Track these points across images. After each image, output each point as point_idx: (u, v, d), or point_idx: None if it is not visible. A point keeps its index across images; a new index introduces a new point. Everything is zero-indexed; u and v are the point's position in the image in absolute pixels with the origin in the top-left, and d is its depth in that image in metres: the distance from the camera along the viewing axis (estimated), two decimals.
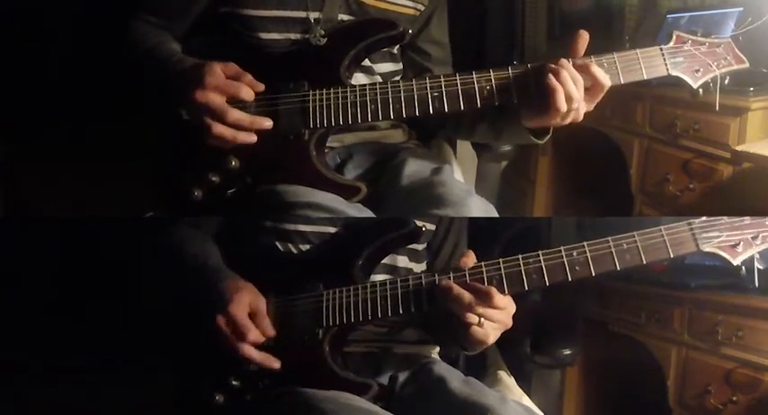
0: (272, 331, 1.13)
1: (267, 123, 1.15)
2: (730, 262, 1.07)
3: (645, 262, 1.07)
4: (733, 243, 1.07)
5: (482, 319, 1.08)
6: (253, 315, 1.12)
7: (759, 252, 1.08)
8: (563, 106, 1.11)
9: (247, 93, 1.14)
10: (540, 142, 1.22)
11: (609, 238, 1.07)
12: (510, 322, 1.11)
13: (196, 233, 1.25)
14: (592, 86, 1.12)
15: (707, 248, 1.07)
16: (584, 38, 1.13)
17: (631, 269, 2.08)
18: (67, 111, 1.95)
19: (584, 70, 1.11)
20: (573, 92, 1.10)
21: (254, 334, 1.11)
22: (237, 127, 1.13)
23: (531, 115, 1.17)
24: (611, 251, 1.07)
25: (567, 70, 1.10)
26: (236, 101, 1.13)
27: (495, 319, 1.08)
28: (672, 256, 1.07)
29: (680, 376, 1.84)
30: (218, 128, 1.12)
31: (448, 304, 1.09)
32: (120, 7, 1.29)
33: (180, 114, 1.18)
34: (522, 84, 1.13)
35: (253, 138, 1.15)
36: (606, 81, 1.12)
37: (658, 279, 1.97)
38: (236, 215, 1.21)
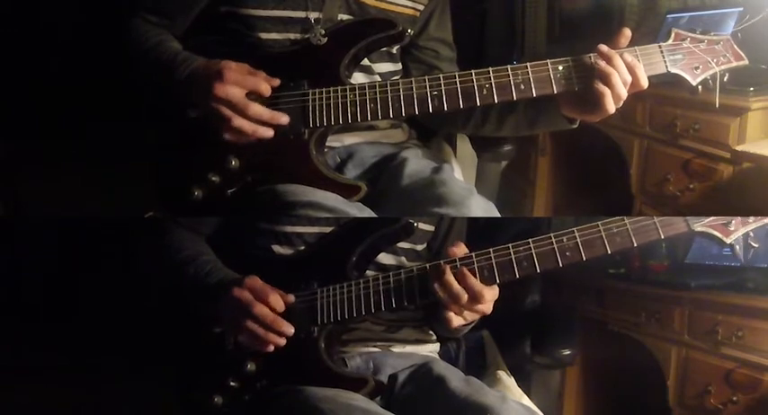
0: (290, 298, 1.13)
1: (284, 118, 1.16)
2: (723, 241, 1.07)
3: (635, 245, 1.06)
4: (725, 222, 1.07)
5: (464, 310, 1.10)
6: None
7: (753, 231, 1.07)
8: (612, 108, 1.12)
9: (266, 88, 1.15)
10: (574, 126, 1.23)
11: (599, 222, 1.07)
12: (490, 311, 1.12)
13: (189, 235, 1.25)
14: (630, 84, 1.13)
15: (698, 228, 1.06)
16: (626, 36, 1.13)
17: (631, 268, 2.08)
18: (68, 111, 1.95)
19: (630, 69, 1.12)
20: (622, 95, 1.12)
21: (275, 297, 1.12)
22: (257, 121, 1.14)
23: (573, 109, 1.18)
24: (601, 236, 1.07)
25: (620, 73, 1.11)
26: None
27: (477, 311, 1.11)
28: (663, 236, 1.06)
29: (680, 376, 1.83)
30: (239, 121, 1.13)
31: (437, 292, 1.09)
32: (121, 6, 1.29)
33: (186, 112, 1.18)
34: (521, 85, 1.13)
35: (270, 133, 1.15)
36: (645, 83, 1.13)
37: (658, 279, 1.97)
38: (237, 214, 1.21)
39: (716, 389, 1.71)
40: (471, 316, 1.14)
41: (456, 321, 1.12)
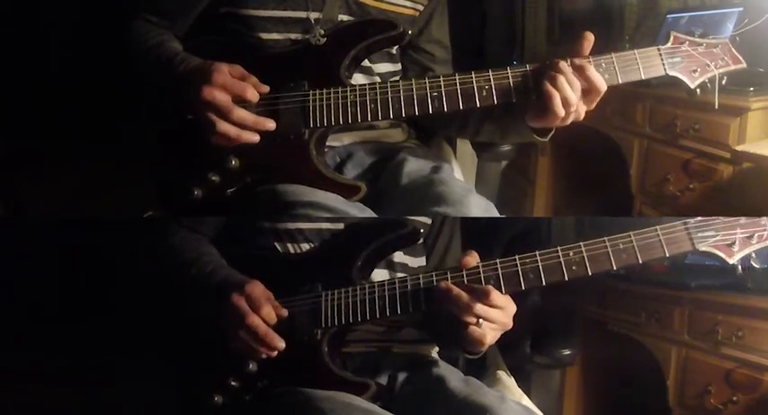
0: (284, 312, 1.13)
1: (270, 124, 1.16)
2: (726, 261, 1.08)
3: (641, 262, 1.07)
4: (729, 242, 1.07)
5: (480, 319, 1.07)
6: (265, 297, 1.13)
7: (755, 251, 1.08)
8: (560, 111, 1.12)
9: (252, 94, 1.15)
10: (543, 140, 1.22)
11: (605, 238, 1.08)
12: (510, 323, 1.11)
13: (193, 236, 1.25)
14: (588, 89, 1.12)
15: (702, 247, 1.07)
16: (588, 40, 1.13)
17: (631, 269, 2.09)
18: (68, 111, 1.95)
19: (581, 73, 1.12)
20: (570, 98, 1.11)
21: (267, 309, 1.11)
22: (241, 126, 1.14)
23: (534, 116, 1.17)
24: (608, 251, 1.07)
25: (565, 75, 1.11)
26: (239, 102, 1.14)
27: (493, 319, 1.08)
28: (667, 255, 1.07)
29: (680, 376, 1.83)
30: (223, 126, 1.13)
31: (446, 306, 1.09)
32: (122, 7, 1.29)
33: (182, 113, 1.18)
34: (521, 87, 1.14)
35: (255, 138, 1.15)
36: (602, 85, 1.12)
37: (658, 279, 1.97)
38: (237, 214, 1.21)
39: (716, 389, 1.71)
40: (492, 330, 1.10)
41: (489, 336, 1.09)
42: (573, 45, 1.14)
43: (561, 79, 1.10)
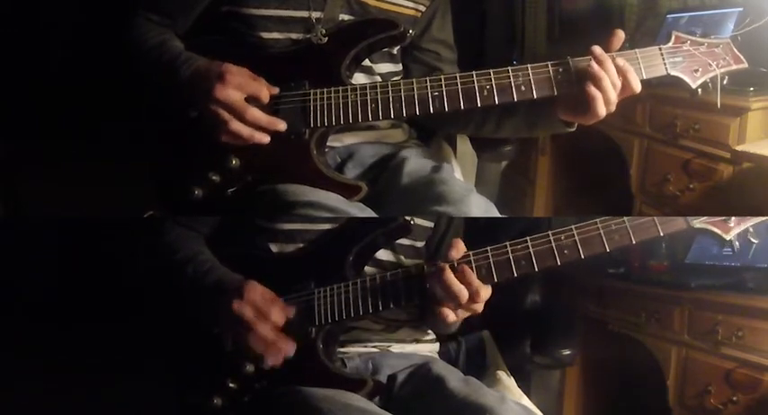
0: (291, 310, 1.13)
1: (282, 125, 1.16)
2: (723, 237, 1.06)
3: (634, 242, 1.06)
4: (724, 219, 1.06)
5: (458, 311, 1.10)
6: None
7: (752, 226, 1.07)
8: (602, 112, 1.12)
9: (265, 95, 1.15)
10: (571, 129, 1.22)
11: (597, 219, 1.07)
12: (481, 310, 1.12)
13: (189, 234, 1.25)
14: (622, 88, 1.12)
15: (697, 224, 1.06)
16: (619, 37, 1.13)
17: (631, 268, 2.08)
18: (68, 111, 1.95)
19: (621, 74, 1.11)
20: (612, 99, 1.11)
21: (276, 312, 1.11)
22: (254, 125, 1.14)
23: (568, 111, 1.17)
24: (600, 233, 1.06)
25: (610, 77, 1.10)
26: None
27: (472, 310, 1.11)
28: (662, 234, 1.06)
29: (680, 376, 1.83)
30: (236, 125, 1.13)
31: (436, 291, 1.09)
32: (122, 5, 1.29)
33: (186, 112, 1.18)
34: (521, 86, 1.13)
35: (266, 139, 1.15)
36: (638, 87, 1.12)
37: (658, 279, 1.97)
38: (237, 214, 1.21)
39: (716, 389, 1.71)
40: (463, 314, 1.13)
41: (452, 317, 1.11)
42: (602, 41, 1.13)
43: (606, 82, 1.10)
